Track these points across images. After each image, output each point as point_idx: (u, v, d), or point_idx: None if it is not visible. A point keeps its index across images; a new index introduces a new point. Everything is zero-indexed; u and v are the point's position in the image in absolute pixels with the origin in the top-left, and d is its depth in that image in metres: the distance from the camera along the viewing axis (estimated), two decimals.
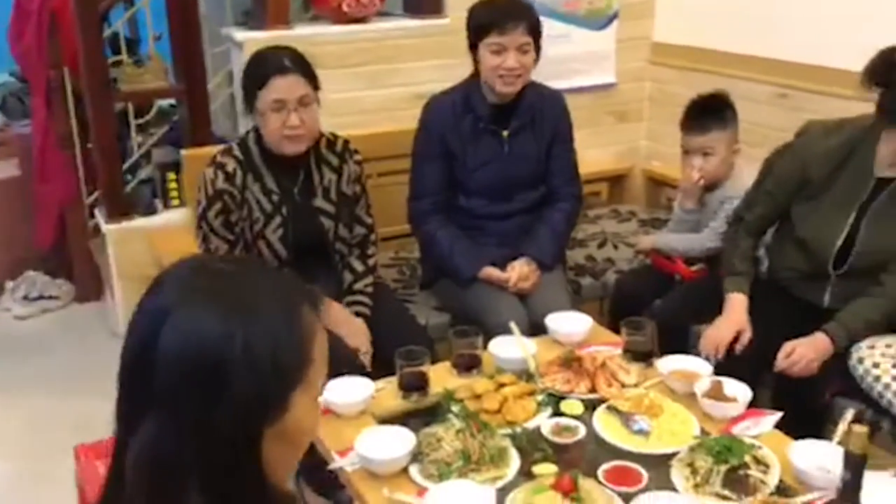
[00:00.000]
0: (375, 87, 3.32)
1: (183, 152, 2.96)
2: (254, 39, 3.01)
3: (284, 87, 2.28)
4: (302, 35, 3.12)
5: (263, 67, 2.31)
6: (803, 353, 2.15)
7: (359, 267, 2.52)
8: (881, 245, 2.25)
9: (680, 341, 2.54)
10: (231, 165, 2.37)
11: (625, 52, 3.76)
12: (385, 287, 2.69)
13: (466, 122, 2.60)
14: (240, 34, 3.10)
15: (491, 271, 2.56)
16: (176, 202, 3.25)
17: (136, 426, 0.86)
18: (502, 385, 1.99)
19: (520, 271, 2.54)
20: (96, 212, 3.60)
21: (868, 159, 2.26)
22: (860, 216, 2.27)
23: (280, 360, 0.88)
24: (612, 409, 1.92)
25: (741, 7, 3.38)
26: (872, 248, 2.26)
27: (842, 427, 1.77)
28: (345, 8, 3.16)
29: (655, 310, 2.72)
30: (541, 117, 2.64)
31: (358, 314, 2.45)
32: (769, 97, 3.22)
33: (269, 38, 3.00)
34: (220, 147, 2.52)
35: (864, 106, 2.30)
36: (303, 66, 2.33)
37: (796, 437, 1.85)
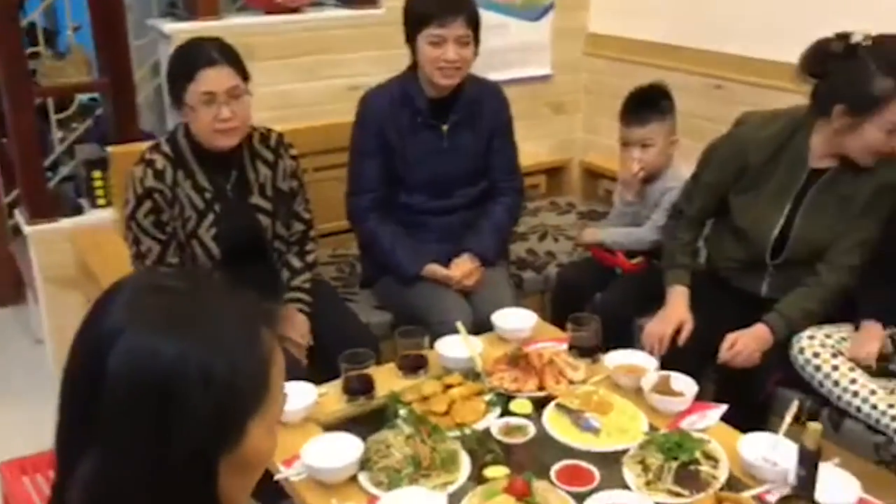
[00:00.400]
0: (310, 79, 3.23)
1: (109, 149, 2.82)
2: (182, 31, 2.89)
3: (214, 78, 2.19)
4: (233, 26, 3.01)
5: (190, 60, 2.22)
6: (745, 343, 2.18)
7: (297, 263, 2.46)
8: (815, 235, 2.29)
9: (623, 334, 2.55)
10: (160, 162, 2.27)
11: (560, 44, 3.75)
12: (326, 285, 2.63)
13: (404, 115, 2.55)
14: (167, 26, 2.98)
15: (434, 268, 2.52)
16: (102, 202, 3.11)
17: (79, 458, 0.80)
18: (449, 386, 1.96)
19: (464, 268, 2.51)
20: (16, 212, 3.43)
21: (802, 150, 2.29)
22: (796, 206, 2.31)
23: (238, 386, 0.82)
24: (561, 407, 1.90)
25: None
26: (807, 238, 2.29)
27: (787, 419, 1.78)
28: None
29: (597, 303, 2.72)
30: (480, 111, 2.61)
31: (298, 311, 2.39)
32: (705, 89, 3.25)
33: (198, 29, 2.89)
34: (149, 143, 2.42)
35: (799, 98, 2.33)
36: (231, 57, 2.25)
37: (741, 429, 1.87)
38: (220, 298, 0.87)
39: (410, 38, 2.49)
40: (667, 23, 3.44)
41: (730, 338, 2.20)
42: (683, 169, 2.69)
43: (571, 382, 2.01)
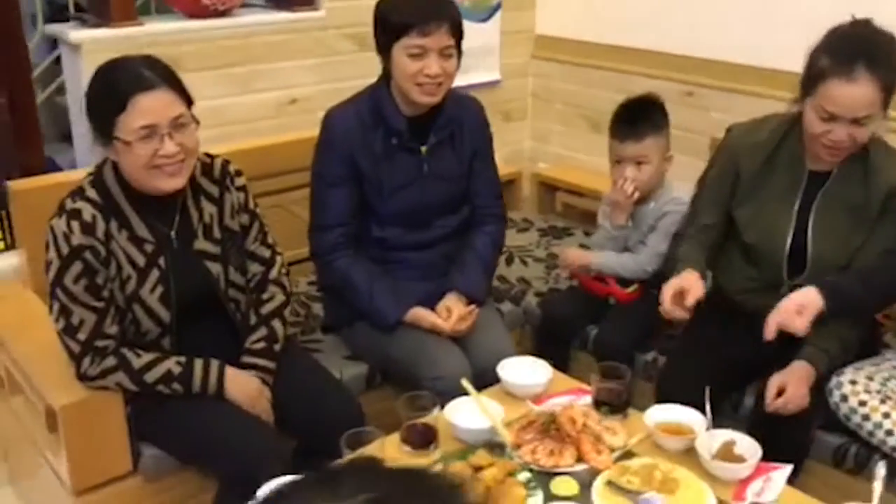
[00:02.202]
0: (242, 92, 2.83)
1: (10, 184, 2.32)
2: (94, 40, 2.43)
3: (153, 107, 1.77)
4: (155, 32, 2.57)
5: (118, 85, 1.78)
6: (796, 388, 1.94)
7: (252, 318, 2.06)
8: (832, 251, 2.09)
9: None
10: (88, 212, 1.83)
11: (508, 47, 3.48)
12: (290, 341, 2.21)
13: (378, 138, 2.20)
14: (74, 33, 2.49)
15: (421, 314, 2.18)
16: (0, 245, 2.60)
17: None
18: (478, 468, 1.64)
19: (458, 312, 2.18)
20: None
21: (796, 150, 2.10)
22: (803, 216, 2.11)
23: None
24: (612, 484, 1.63)
25: None
26: (824, 255, 2.10)
27: (879, 489, 1.57)
28: None
29: (592, 338, 2.46)
30: (460, 130, 2.29)
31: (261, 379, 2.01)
32: (675, 95, 3.03)
33: (113, 37, 2.44)
34: (77, 178, 1.96)
35: (778, 105, 2.14)
36: (170, 77, 1.83)
37: None
38: None
39: (383, 49, 2.14)
40: (622, 24, 3.22)
41: (774, 384, 1.96)
42: (675, 189, 2.46)
43: (612, 450, 1.73)
